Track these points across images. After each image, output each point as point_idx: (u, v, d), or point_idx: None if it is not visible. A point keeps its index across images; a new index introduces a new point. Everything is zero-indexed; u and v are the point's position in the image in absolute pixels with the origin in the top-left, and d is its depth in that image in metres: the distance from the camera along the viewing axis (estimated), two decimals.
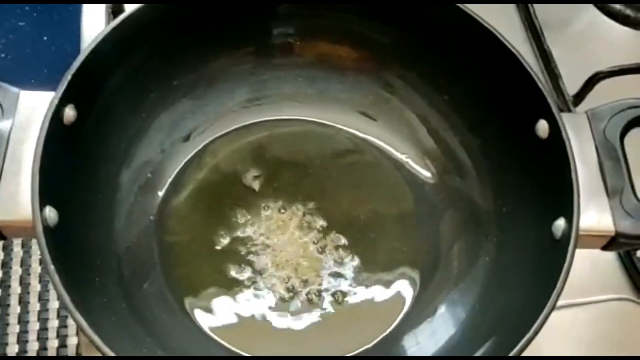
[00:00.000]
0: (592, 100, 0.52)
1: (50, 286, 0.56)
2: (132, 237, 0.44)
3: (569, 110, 0.53)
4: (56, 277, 0.34)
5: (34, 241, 0.58)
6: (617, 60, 0.53)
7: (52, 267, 0.34)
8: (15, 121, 0.39)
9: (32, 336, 0.54)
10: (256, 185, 0.48)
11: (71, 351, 0.54)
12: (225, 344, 0.43)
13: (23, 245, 0.58)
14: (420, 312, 0.44)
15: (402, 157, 0.49)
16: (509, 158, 0.44)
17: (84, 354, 0.48)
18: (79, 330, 0.52)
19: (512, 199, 0.43)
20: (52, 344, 0.54)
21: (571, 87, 0.55)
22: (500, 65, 0.42)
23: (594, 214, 0.39)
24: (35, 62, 0.64)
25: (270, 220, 0.47)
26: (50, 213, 0.36)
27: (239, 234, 0.46)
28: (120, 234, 0.44)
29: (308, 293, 0.44)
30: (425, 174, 0.49)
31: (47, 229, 0.35)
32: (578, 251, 0.37)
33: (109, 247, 0.43)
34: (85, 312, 0.34)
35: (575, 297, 0.49)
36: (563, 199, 0.38)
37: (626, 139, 0.42)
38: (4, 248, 0.58)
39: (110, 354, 0.33)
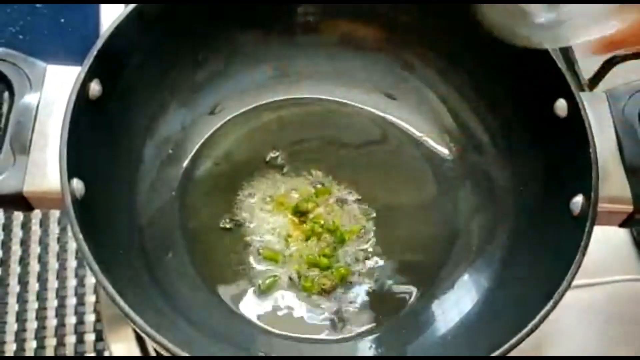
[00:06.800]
0: (607, 84, 0.52)
1: (68, 264, 0.57)
2: (154, 211, 0.45)
3: None
4: (84, 246, 0.35)
5: (51, 219, 0.58)
6: None
7: (80, 236, 0.35)
8: (43, 95, 0.40)
9: (51, 312, 0.55)
10: (276, 162, 0.48)
11: (89, 328, 0.54)
12: (248, 317, 0.43)
13: (41, 225, 0.58)
14: (440, 284, 0.44)
15: (422, 136, 0.50)
16: (527, 136, 0.44)
17: (105, 330, 0.48)
18: (98, 303, 0.53)
19: (531, 177, 0.44)
20: (70, 321, 0.55)
21: (587, 73, 0.55)
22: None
23: (613, 190, 0.39)
24: (53, 44, 0.64)
25: (289, 196, 0.47)
26: (78, 185, 0.37)
27: (259, 209, 0.47)
28: (143, 207, 0.44)
29: (329, 267, 0.45)
30: (445, 151, 0.49)
31: (74, 200, 0.36)
32: (594, 233, 0.37)
33: (132, 219, 0.43)
34: (112, 281, 0.34)
35: (591, 277, 0.50)
36: (581, 176, 0.38)
37: None
38: (23, 226, 0.58)
39: (139, 321, 0.34)
